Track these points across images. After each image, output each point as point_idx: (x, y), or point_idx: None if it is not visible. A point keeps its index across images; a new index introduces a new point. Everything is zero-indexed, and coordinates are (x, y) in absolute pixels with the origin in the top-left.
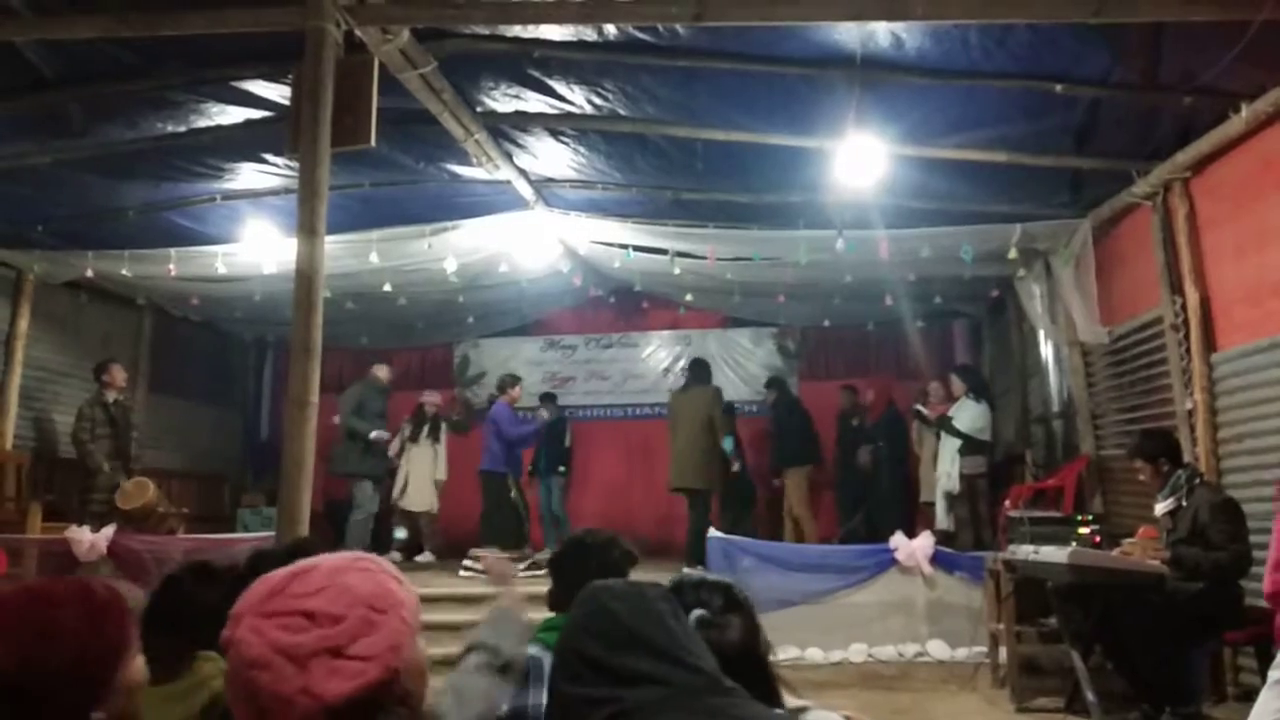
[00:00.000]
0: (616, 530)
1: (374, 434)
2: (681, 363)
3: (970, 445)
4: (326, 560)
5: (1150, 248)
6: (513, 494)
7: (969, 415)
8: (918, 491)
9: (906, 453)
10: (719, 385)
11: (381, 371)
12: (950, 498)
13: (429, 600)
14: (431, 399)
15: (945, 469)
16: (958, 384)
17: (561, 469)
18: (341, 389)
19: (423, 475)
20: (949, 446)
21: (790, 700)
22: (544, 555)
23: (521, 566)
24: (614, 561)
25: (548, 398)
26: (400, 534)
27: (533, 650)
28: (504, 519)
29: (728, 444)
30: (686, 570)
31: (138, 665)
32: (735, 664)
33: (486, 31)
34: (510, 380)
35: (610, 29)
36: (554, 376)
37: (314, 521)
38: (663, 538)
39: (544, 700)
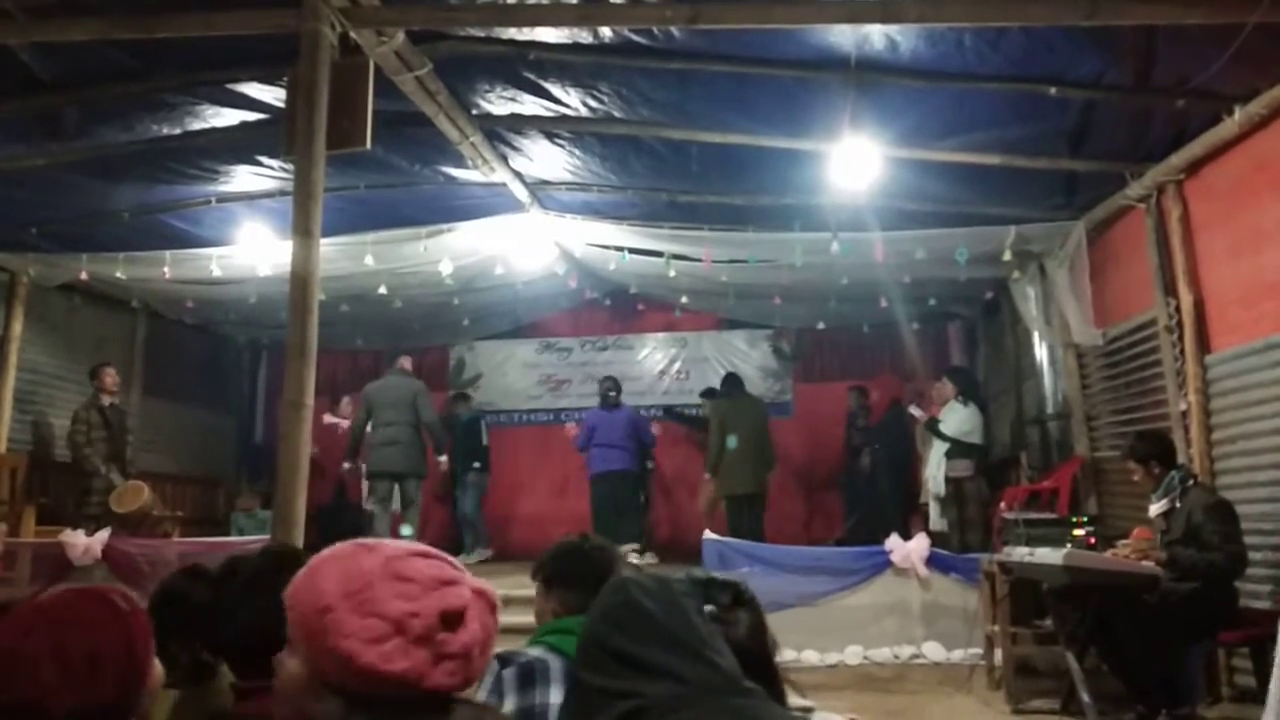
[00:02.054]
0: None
1: (444, 459)
2: (677, 365)
3: (956, 448)
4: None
5: (1144, 250)
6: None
7: (956, 419)
8: (918, 493)
9: (907, 455)
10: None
11: (408, 363)
12: (940, 500)
13: None
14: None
15: (932, 472)
16: (948, 386)
17: (477, 465)
18: (335, 391)
19: None
20: (938, 449)
21: (794, 700)
22: (472, 558)
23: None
24: (610, 564)
25: (461, 398)
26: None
27: (536, 652)
28: (637, 517)
29: (731, 442)
30: (692, 570)
31: (157, 666)
32: (742, 661)
33: (482, 34)
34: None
35: (605, 31)
36: (549, 379)
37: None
38: (659, 536)
39: (553, 700)
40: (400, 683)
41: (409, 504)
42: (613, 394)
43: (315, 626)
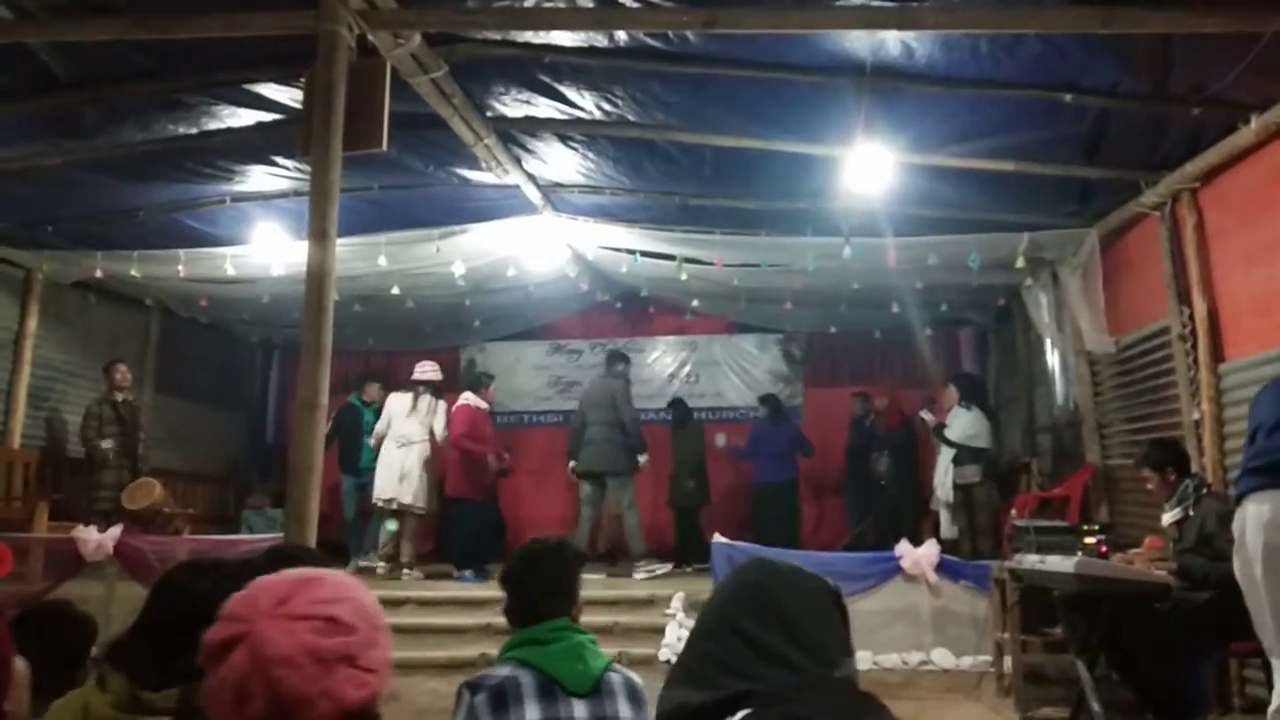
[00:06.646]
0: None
1: (644, 458)
2: (687, 368)
3: (963, 454)
4: (327, 573)
5: (1158, 258)
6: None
7: (960, 424)
8: (929, 499)
9: (918, 460)
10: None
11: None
12: (950, 507)
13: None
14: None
15: (940, 479)
16: (953, 391)
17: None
18: (348, 391)
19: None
20: (945, 455)
21: None
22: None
23: None
24: (565, 565)
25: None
26: (391, 526)
27: (505, 671)
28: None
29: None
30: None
31: (20, 664)
32: None
33: (498, 37)
34: None
35: (621, 35)
36: (559, 380)
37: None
38: (661, 540)
39: (529, 717)
40: None
41: (618, 503)
42: (780, 410)
43: None
